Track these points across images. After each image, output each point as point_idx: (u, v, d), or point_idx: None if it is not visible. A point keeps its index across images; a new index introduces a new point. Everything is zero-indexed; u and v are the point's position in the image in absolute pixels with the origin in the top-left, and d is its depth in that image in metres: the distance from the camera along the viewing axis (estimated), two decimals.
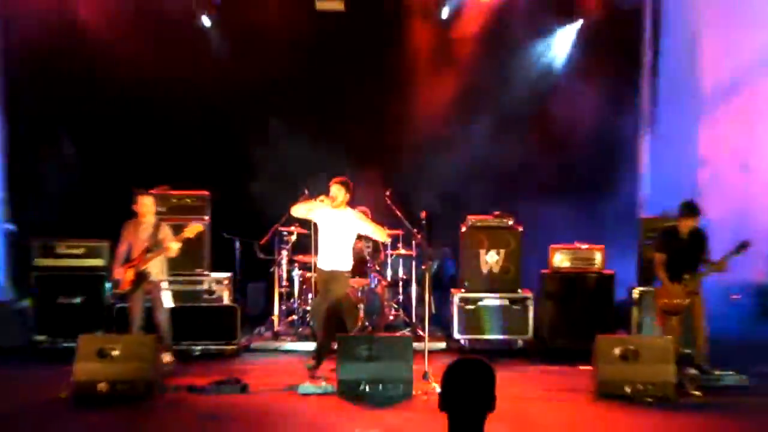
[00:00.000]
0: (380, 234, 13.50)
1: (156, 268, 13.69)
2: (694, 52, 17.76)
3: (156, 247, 13.60)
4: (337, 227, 12.99)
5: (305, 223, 14.99)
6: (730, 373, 12.65)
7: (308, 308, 15.21)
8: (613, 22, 17.16)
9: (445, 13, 17.37)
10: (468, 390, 4.88)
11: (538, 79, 17.50)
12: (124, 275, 13.57)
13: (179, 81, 17.26)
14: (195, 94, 17.40)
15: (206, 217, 15.39)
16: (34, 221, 16.19)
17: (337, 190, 12.91)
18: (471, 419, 4.86)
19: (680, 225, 13.16)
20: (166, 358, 13.44)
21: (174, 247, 13.62)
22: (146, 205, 13.85)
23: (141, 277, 13.61)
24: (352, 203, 13.15)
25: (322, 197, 12.89)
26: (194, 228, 13.87)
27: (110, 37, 16.69)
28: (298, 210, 13.24)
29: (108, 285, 14.82)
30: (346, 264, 13.15)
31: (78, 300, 14.83)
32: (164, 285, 13.78)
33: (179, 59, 17.17)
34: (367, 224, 13.29)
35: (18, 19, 16.52)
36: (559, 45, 17.68)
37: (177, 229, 13.91)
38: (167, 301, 13.75)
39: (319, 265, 13.18)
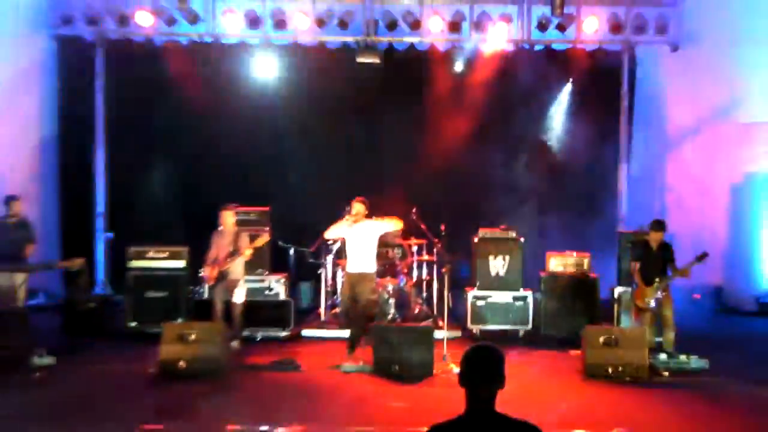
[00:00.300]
0: (395, 224, 13.32)
1: (236, 269, 13.90)
2: (662, 100, 17.86)
3: (236, 252, 13.81)
4: (360, 236, 12.93)
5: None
6: (693, 357, 12.56)
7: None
8: (598, 77, 17.19)
9: (459, 66, 17.35)
10: (483, 370, 4.88)
11: (538, 118, 17.45)
12: (210, 273, 13.86)
13: (245, 119, 17.37)
14: (258, 131, 17.46)
15: (267, 229, 15.43)
16: (128, 231, 16.25)
17: (358, 207, 12.88)
18: (485, 394, 4.85)
19: (651, 238, 13.24)
20: (235, 343, 13.55)
21: (248, 252, 13.87)
22: (227, 218, 14.09)
23: (222, 276, 13.82)
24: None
25: (346, 217, 12.93)
26: (263, 239, 14.16)
27: (192, 84, 16.75)
28: (330, 233, 13.30)
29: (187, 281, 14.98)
30: (372, 266, 13.08)
31: (163, 294, 14.88)
32: (240, 283, 13.93)
33: (246, 100, 17.27)
34: (383, 222, 13.14)
35: (118, 62, 16.62)
36: (555, 92, 17.63)
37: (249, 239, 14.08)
38: (240, 296, 13.83)
39: (347, 269, 13.13)
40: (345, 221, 12.93)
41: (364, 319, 12.78)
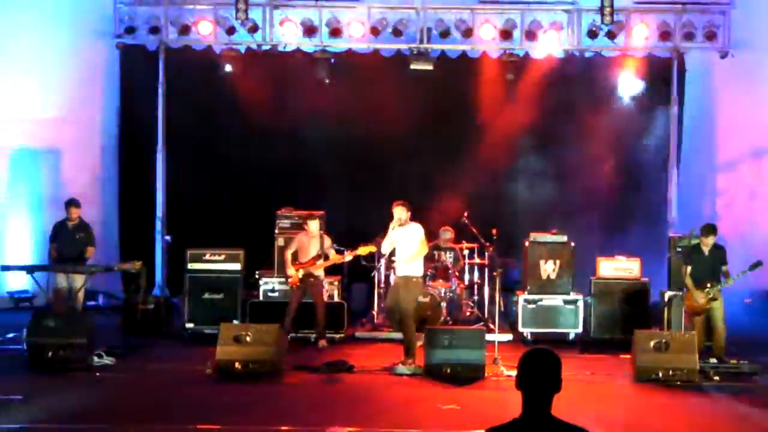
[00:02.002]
0: (424, 250, 13.02)
1: (318, 272, 14.06)
2: (712, 106, 17.70)
3: (325, 256, 14.02)
4: (405, 240, 12.80)
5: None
6: (744, 362, 12.33)
7: None
8: (648, 84, 16.93)
9: (510, 72, 17.14)
10: (540, 374, 4.74)
11: (587, 124, 17.19)
12: (296, 274, 13.89)
13: (300, 125, 17.37)
14: (312, 136, 17.42)
15: (321, 232, 15.41)
16: (186, 234, 16.27)
17: (399, 211, 12.75)
18: (542, 397, 4.71)
19: (702, 242, 13.02)
20: (323, 342, 13.81)
21: (344, 257, 14.17)
22: (312, 225, 14.16)
23: (307, 277, 13.90)
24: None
25: (391, 224, 12.79)
26: (368, 248, 14.04)
27: (249, 91, 16.75)
28: (385, 246, 13.12)
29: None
30: (418, 270, 12.93)
31: (219, 296, 14.84)
32: (325, 285, 14.19)
33: (301, 106, 17.24)
34: (419, 240, 12.86)
35: (179, 70, 16.68)
36: (605, 99, 17.37)
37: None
38: (324, 296, 14.03)
39: (396, 273, 13.03)
40: (390, 229, 12.81)
41: (415, 322, 12.66)
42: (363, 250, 13.98)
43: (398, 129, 17.30)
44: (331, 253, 14.12)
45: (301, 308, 13.91)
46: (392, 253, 14.31)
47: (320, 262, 13.97)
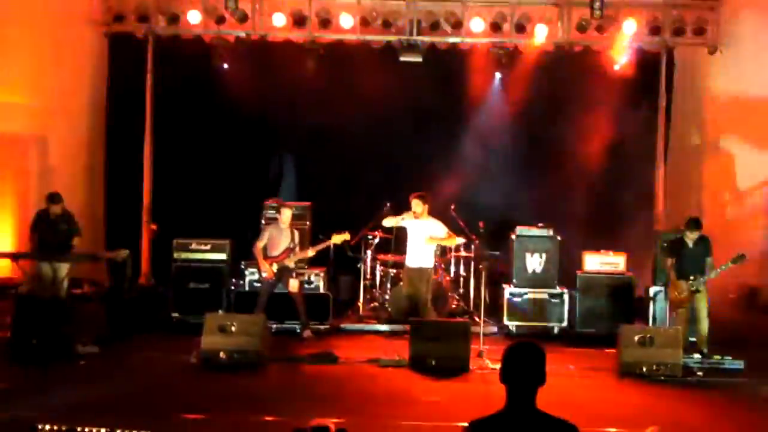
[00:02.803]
0: (451, 241, 13.95)
1: (291, 262, 14.04)
2: (700, 101, 17.71)
3: (295, 248, 14.04)
4: (422, 232, 13.16)
5: (387, 229, 15.00)
6: (727, 357, 12.45)
7: (387, 297, 15.16)
8: (636, 78, 16.86)
9: (499, 65, 17.09)
10: (525, 367, 4.77)
11: (576, 117, 17.18)
12: (270, 268, 13.86)
13: (288, 115, 17.34)
14: (301, 127, 17.41)
15: (308, 223, 15.53)
16: (172, 223, 16.20)
17: (416, 204, 13.00)
18: (526, 391, 4.73)
19: (686, 236, 13.12)
20: (307, 332, 13.87)
21: (310, 253, 14.20)
22: (286, 214, 14.19)
23: (282, 270, 13.92)
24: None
25: (405, 214, 13.15)
26: (340, 236, 14.11)
27: (238, 81, 16.69)
28: (389, 221, 13.64)
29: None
30: (430, 261, 13.42)
31: (205, 285, 14.84)
32: (293, 274, 14.06)
33: (290, 97, 17.20)
34: (443, 231, 13.46)
35: (167, 59, 16.59)
36: (594, 93, 17.37)
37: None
38: (294, 285, 13.95)
39: (407, 263, 13.22)
40: (406, 214, 13.18)
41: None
42: (337, 239, 14.06)
43: (387, 120, 17.29)
44: (301, 245, 14.21)
45: (284, 299, 13.90)
46: (380, 245, 14.50)
47: (291, 256, 13.98)
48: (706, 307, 12.91)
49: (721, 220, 16.71)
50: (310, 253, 14.18)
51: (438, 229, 13.49)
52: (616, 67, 16.44)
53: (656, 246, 14.98)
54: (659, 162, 16.73)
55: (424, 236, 13.27)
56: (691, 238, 13.07)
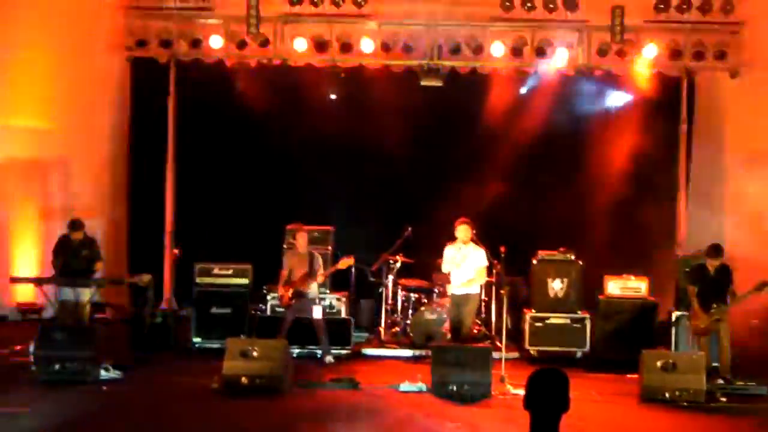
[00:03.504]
0: (482, 275, 13.79)
1: (312, 289, 13.98)
2: (722, 126, 17.55)
3: (312, 274, 13.94)
4: (467, 259, 13.26)
5: (409, 253, 15.06)
6: (751, 383, 12.42)
7: (408, 321, 15.13)
8: (657, 103, 16.87)
9: (520, 89, 17.16)
10: (548, 393, 4.77)
11: (597, 142, 17.19)
12: (285, 294, 13.93)
13: (310, 139, 17.40)
14: (322, 151, 17.47)
15: (329, 248, 15.52)
16: (195, 248, 16.25)
17: (465, 230, 13.18)
18: (550, 417, 4.74)
19: (708, 263, 13.09)
20: (329, 358, 13.83)
21: (320, 278, 14.10)
22: (301, 239, 14.23)
23: (298, 296, 13.90)
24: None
25: (455, 244, 13.32)
26: (346, 262, 14.11)
27: (260, 105, 16.79)
28: (447, 267, 13.65)
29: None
30: (476, 288, 13.58)
31: (227, 310, 14.86)
32: (316, 301, 14.06)
33: (311, 121, 17.29)
34: (482, 262, 13.48)
35: (189, 83, 16.68)
36: (614, 117, 17.38)
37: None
38: (318, 312, 13.91)
39: (452, 291, 13.28)
40: (452, 246, 13.24)
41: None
42: (343, 264, 14.08)
43: (408, 144, 17.33)
44: (318, 270, 14.12)
45: (306, 324, 13.91)
46: (401, 270, 14.53)
47: (308, 281, 13.99)
48: (729, 334, 12.85)
49: (743, 246, 16.57)
50: (320, 279, 14.12)
51: (481, 257, 13.51)
52: (637, 92, 16.43)
53: (678, 271, 14.91)
54: (681, 186, 16.70)
55: (472, 264, 13.27)
56: (712, 265, 13.03)
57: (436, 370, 11.90)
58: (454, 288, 13.51)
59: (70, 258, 13.82)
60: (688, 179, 16.89)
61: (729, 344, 12.82)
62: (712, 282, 12.98)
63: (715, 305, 12.77)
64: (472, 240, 13.62)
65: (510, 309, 13.93)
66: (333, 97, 16.97)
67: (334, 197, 17.60)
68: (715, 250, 13.08)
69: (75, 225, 13.90)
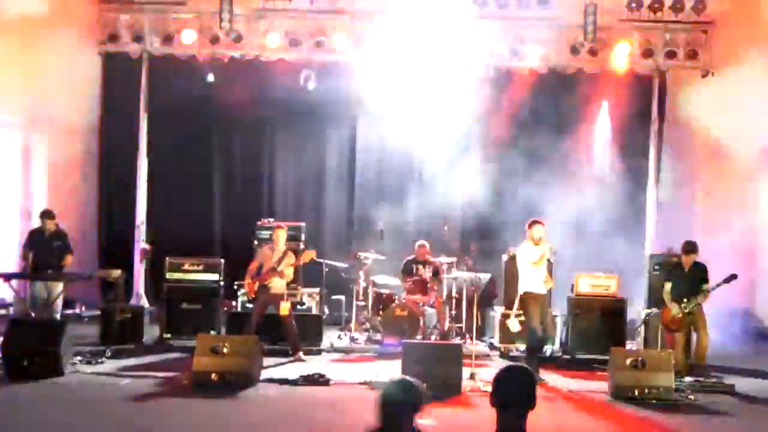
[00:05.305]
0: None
1: (278, 284, 13.80)
2: (692, 124, 17.52)
3: (276, 269, 13.75)
4: (544, 258, 13.03)
5: (381, 250, 15.06)
6: (719, 381, 12.57)
7: (379, 318, 15.07)
8: (629, 101, 17.06)
9: (490, 86, 17.14)
10: (515, 392, 4.78)
11: (568, 140, 17.28)
12: (251, 287, 13.77)
13: (283, 135, 17.45)
14: (295, 146, 17.59)
15: (302, 244, 15.46)
16: (166, 243, 16.19)
17: (541, 230, 12.94)
18: (517, 415, 4.75)
19: (683, 260, 13.26)
20: (300, 354, 13.69)
21: (288, 272, 13.81)
22: (280, 236, 14.05)
23: (263, 290, 13.75)
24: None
25: (538, 245, 12.94)
26: (308, 254, 14.02)
27: (232, 100, 16.74)
28: (523, 266, 13.20)
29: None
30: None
31: (197, 306, 14.79)
32: (284, 297, 13.81)
33: (283, 118, 17.30)
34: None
35: (161, 78, 16.66)
36: (586, 115, 17.47)
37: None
38: (285, 308, 13.67)
39: (536, 290, 12.90)
40: (530, 243, 12.93)
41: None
42: (305, 257, 14.01)
43: (381, 140, 17.35)
44: (283, 269, 13.85)
45: (277, 320, 13.86)
46: (373, 267, 14.47)
47: (272, 274, 13.81)
48: (705, 323, 12.99)
49: (713, 244, 16.66)
50: (283, 274, 13.80)
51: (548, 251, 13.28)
52: (609, 90, 16.52)
53: (648, 269, 14.99)
54: (651, 185, 16.81)
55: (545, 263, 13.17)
56: (687, 262, 13.21)
57: (407, 366, 11.88)
58: (537, 287, 12.97)
59: (43, 250, 13.79)
60: (658, 177, 17.02)
61: (707, 331, 12.96)
62: (686, 279, 13.13)
63: (686, 299, 12.93)
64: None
65: (480, 305, 13.89)
66: (307, 91, 16.95)
67: (307, 193, 17.68)
68: (690, 246, 13.26)
69: (48, 214, 13.98)
